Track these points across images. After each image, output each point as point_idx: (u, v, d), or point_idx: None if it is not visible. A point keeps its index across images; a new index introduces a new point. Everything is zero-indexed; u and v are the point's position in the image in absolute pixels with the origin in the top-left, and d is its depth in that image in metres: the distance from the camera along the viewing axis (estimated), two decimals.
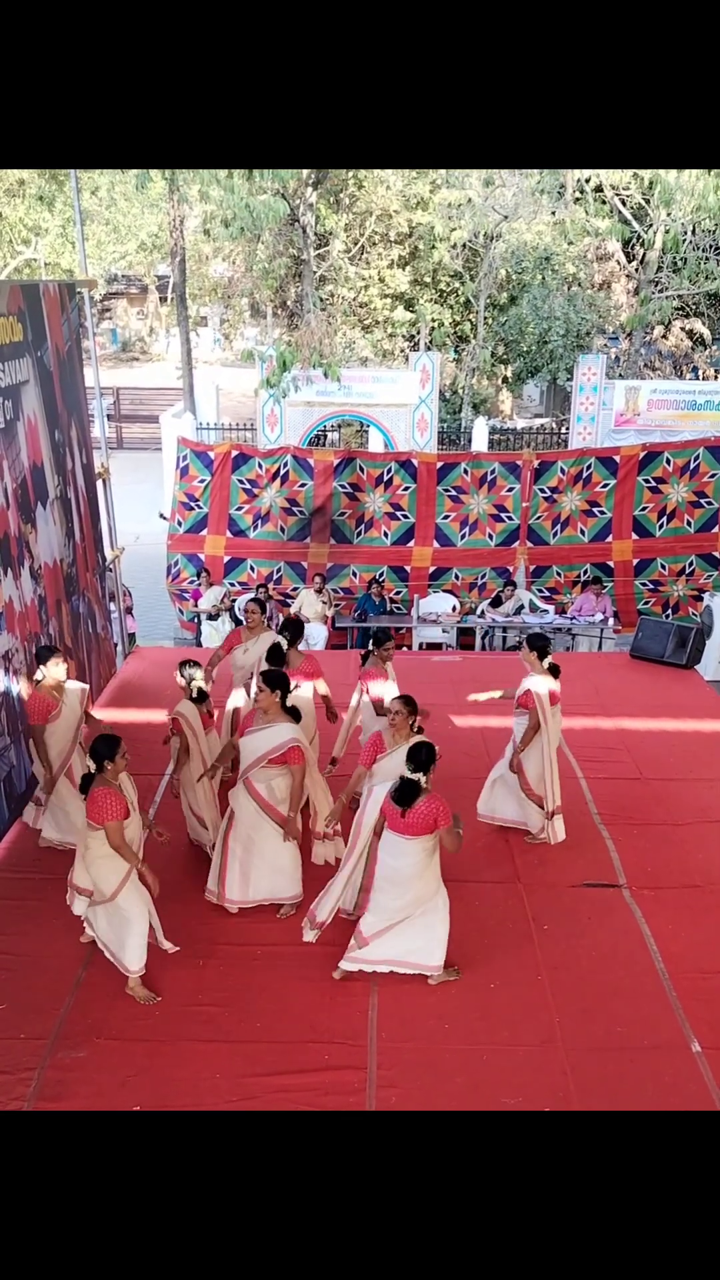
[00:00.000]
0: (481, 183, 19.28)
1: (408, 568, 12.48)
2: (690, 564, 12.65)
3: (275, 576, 12.40)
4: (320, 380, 16.11)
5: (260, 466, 12.31)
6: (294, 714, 5.77)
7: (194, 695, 6.21)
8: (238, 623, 11.74)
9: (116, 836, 4.94)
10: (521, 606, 11.90)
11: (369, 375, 16.83)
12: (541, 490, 12.34)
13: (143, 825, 5.35)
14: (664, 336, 23.62)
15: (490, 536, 12.43)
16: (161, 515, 13.73)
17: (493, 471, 12.29)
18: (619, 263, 21.65)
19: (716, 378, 23.69)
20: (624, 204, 19.86)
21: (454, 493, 12.31)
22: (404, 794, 4.90)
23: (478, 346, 20.94)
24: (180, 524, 12.58)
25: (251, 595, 6.35)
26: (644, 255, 20.40)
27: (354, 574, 12.45)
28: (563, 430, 20.32)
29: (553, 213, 19.43)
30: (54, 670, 6.25)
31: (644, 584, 12.67)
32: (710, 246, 19.11)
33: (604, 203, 19.58)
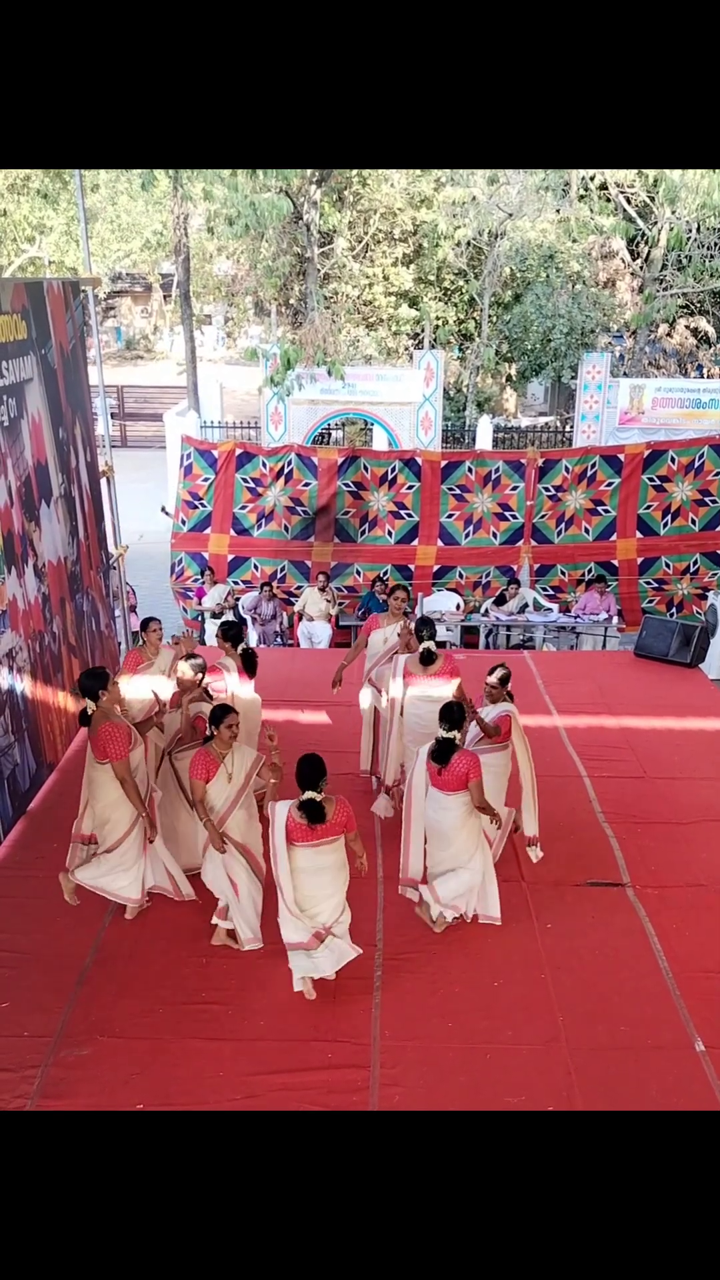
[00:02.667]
0: (486, 181, 19.23)
1: (412, 566, 12.47)
2: (695, 562, 12.63)
3: (279, 575, 12.40)
4: (324, 378, 16.09)
5: (264, 465, 12.30)
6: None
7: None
8: (241, 622, 11.78)
9: (124, 770, 5.24)
10: (525, 605, 11.89)
11: (373, 373, 16.80)
12: (546, 489, 12.32)
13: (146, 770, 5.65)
14: (668, 335, 23.56)
15: (494, 535, 12.41)
16: (164, 510, 13.71)
17: (497, 470, 12.28)
18: (623, 260, 21.60)
19: None
20: (629, 202, 19.82)
21: (458, 491, 12.30)
22: (442, 752, 5.34)
23: (482, 344, 20.90)
24: (184, 522, 12.57)
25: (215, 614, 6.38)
26: (648, 253, 20.35)
27: (358, 572, 12.45)
28: (567, 429, 20.30)
29: (557, 210, 19.38)
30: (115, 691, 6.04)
31: (648, 583, 12.65)
32: (715, 244, 19.05)
33: (609, 200, 19.54)
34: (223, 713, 5.31)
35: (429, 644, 6.38)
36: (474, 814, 5.48)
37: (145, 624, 6.98)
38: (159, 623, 7.00)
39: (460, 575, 12.43)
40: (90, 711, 5.41)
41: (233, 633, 6.68)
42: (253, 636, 11.71)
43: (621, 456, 12.41)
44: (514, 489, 12.30)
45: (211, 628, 11.67)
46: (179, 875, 5.81)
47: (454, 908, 5.62)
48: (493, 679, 6.07)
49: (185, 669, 6.05)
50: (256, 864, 5.44)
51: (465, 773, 5.36)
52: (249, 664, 6.57)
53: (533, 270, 20.49)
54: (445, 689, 6.24)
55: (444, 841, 5.51)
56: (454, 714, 5.42)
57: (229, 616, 11.58)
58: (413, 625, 6.71)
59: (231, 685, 6.51)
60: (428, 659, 6.37)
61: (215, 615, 11.65)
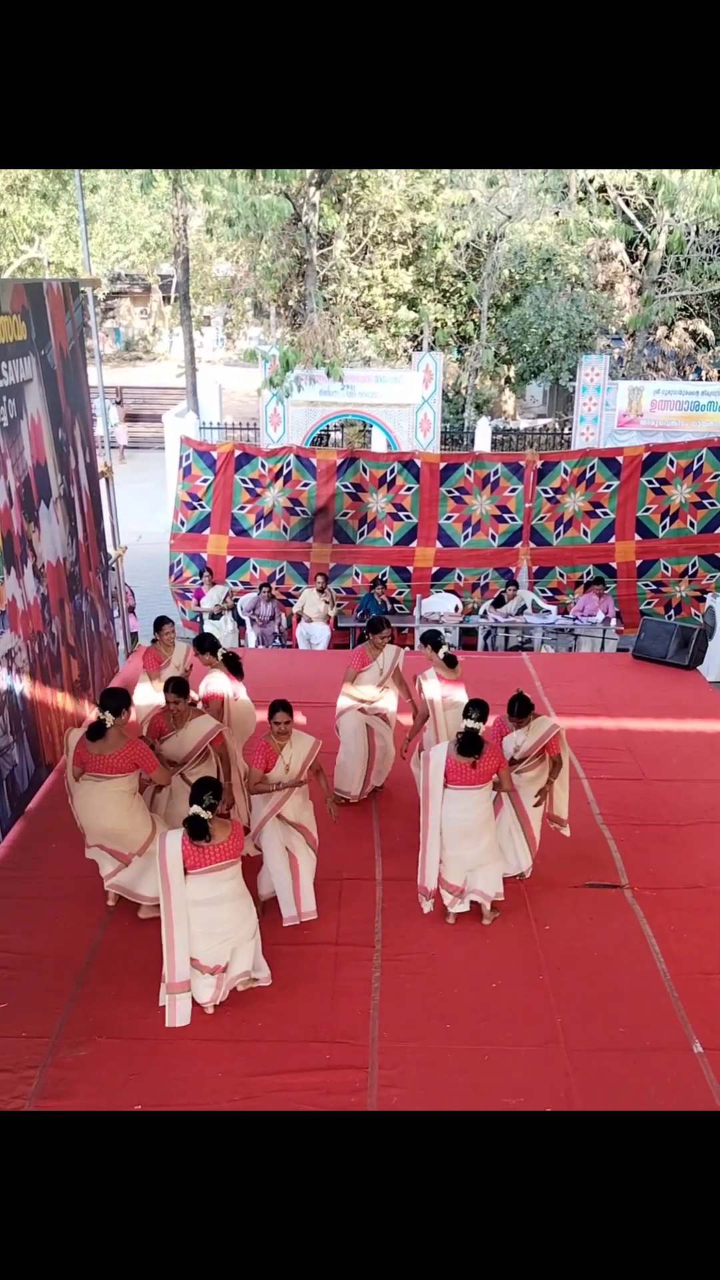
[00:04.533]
0: (485, 183, 19.26)
1: (410, 568, 12.47)
2: (693, 565, 12.64)
3: (278, 576, 12.40)
4: (323, 380, 16.10)
5: (263, 466, 12.31)
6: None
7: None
8: (240, 623, 11.79)
9: (163, 776, 5.62)
10: (524, 607, 11.89)
11: (372, 375, 16.81)
12: (544, 491, 12.33)
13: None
14: (667, 337, 23.59)
15: (493, 537, 12.42)
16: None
17: (496, 472, 12.29)
18: (622, 263, 21.62)
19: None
20: (628, 204, 19.83)
21: (457, 493, 12.31)
22: (473, 744, 5.35)
23: (481, 347, 20.92)
24: (183, 523, 12.58)
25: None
26: (647, 256, 20.37)
27: (356, 574, 12.45)
28: (566, 431, 20.29)
29: (556, 213, 19.39)
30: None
31: (647, 585, 12.66)
32: (714, 247, 19.07)
33: (607, 203, 19.55)
34: (275, 709, 5.55)
35: (448, 650, 6.65)
36: (490, 802, 5.57)
37: (159, 624, 7.26)
38: (172, 623, 7.31)
39: (459, 577, 12.43)
40: (110, 725, 5.38)
41: (206, 644, 6.66)
42: (251, 637, 11.71)
43: (620, 459, 12.43)
44: (513, 491, 12.31)
45: (210, 628, 11.67)
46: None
47: (500, 894, 5.73)
48: (513, 716, 5.81)
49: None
50: (312, 839, 5.68)
51: (497, 764, 5.46)
52: (234, 667, 6.58)
53: (532, 272, 20.51)
54: (463, 693, 6.46)
55: (472, 839, 5.49)
56: (484, 707, 5.47)
57: (228, 617, 11.59)
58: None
59: (224, 687, 6.56)
60: (451, 663, 6.60)
61: (214, 616, 11.64)
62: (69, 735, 5.67)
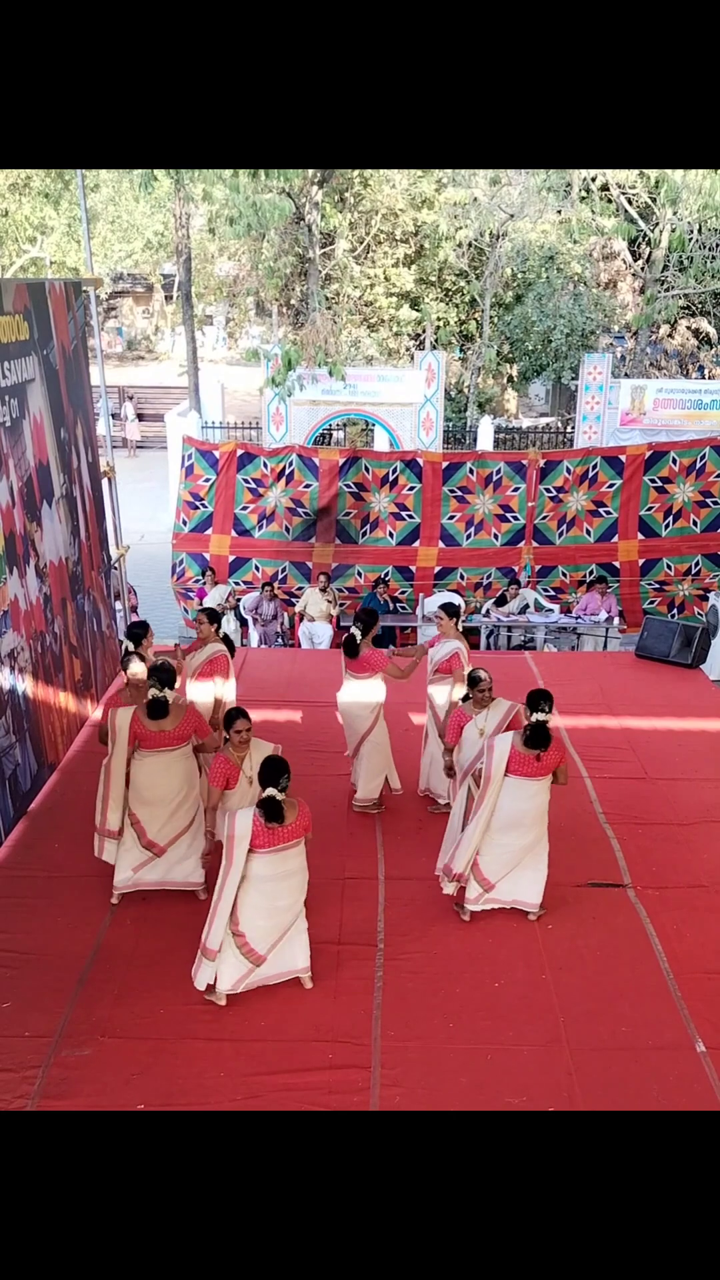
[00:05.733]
0: (487, 181, 19.26)
1: (413, 568, 12.46)
2: (696, 564, 12.63)
3: (280, 576, 12.41)
4: (325, 379, 16.11)
5: (265, 466, 12.30)
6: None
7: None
8: (242, 622, 11.79)
9: (215, 741, 5.84)
10: (526, 606, 11.89)
11: (374, 374, 16.83)
12: (547, 490, 12.32)
13: None
14: (670, 335, 23.59)
15: (496, 536, 12.41)
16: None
17: (498, 471, 12.27)
18: (625, 261, 21.62)
19: None
20: (630, 203, 19.82)
21: (459, 493, 12.30)
22: (543, 737, 5.34)
23: (483, 345, 20.92)
24: (185, 523, 12.58)
25: (203, 607, 6.46)
26: (650, 254, 20.36)
27: (359, 574, 12.45)
28: (568, 429, 20.30)
29: (558, 211, 19.39)
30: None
31: (650, 584, 12.65)
32: (717, 245, 19.08)
33: (610, 201, 19.54)
34: (234, 717, 5.38)
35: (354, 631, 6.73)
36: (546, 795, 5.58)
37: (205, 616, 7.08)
38: (204, 614, 7.13)
39: (461, 577, 12.43)
40: (172, 700, 5.57)
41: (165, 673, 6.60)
42: (254, 637, 11.71)
43: (623, 458, 12.40)
44: (515, 490, 12.29)
45: None
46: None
47: (514, 902, 5.72)
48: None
49: (138, 669, 6.17)
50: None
51: (560, 757, 5.47)
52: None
53: (534, 271, 20.52)
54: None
55: (521, 831, 5.50)
56: (550, 697, 5.48)
57: (230, 617, 11.59)
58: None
59: (218, 689, 6.57)
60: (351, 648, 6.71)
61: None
62: (115, 717, 5.65)
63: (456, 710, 6.18)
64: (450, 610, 6.92)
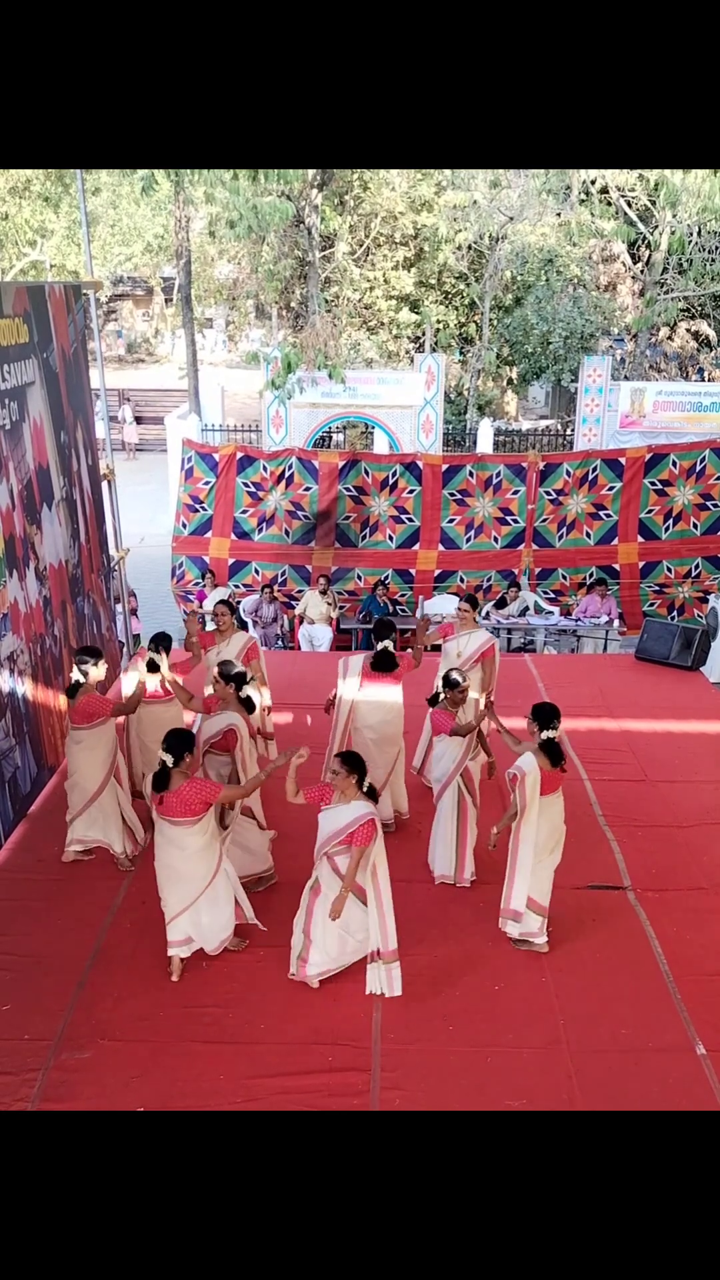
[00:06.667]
0: (487, 184, 19.28)
1: (413, 571, 12.47)
2: (696, 566, 12.63)
3: (280, 579, 12.41)
4: (325, 382, 16.10)
5: (265, 469, 12.31)
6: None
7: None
8: (243, 624, 11.78)
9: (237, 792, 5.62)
10: (526, 608, 11.89)
11: (374, 377, 16.82)
12: (547, 493, 12.32)
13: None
14: (669, 338, 23.60)
15: (495, 539, 12.42)
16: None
17: (498, 474, 12.28)
18: (624, 264, 21.63)
19: None
20: (629, 205, 19.85)
21: (459, 496, 12.30)
22: (559, 752, 5.40)
23: (482, 348, 20.94)
24: (185, 526, 12.58)
25: (222, 598, 6.60)
26: (649, 257, 20.38)
27: (359, 577, 12.45)
28: (568, 432, 20.29)
29: (558, 214, 19.41)
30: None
31: (649, 587, 12.65)
32: (716, 248, 19.09)
33: (609, 204, 19.56)
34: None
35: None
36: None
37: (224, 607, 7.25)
38: (224, 605, 7.18)
39: (461, 579, 12.43)
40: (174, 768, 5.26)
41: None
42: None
43: (623, 460, 12.40)
44: (515, 493, 12.29)
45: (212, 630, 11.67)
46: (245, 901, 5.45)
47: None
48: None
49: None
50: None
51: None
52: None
53: (533, 274, 20.53)
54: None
55: (557, 842, 5.53)
56: (558, 712, 5.57)
57: None
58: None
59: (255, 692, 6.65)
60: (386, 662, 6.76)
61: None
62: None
63: (434, 711, 6.27)
64: (473, 601, 7.26)
